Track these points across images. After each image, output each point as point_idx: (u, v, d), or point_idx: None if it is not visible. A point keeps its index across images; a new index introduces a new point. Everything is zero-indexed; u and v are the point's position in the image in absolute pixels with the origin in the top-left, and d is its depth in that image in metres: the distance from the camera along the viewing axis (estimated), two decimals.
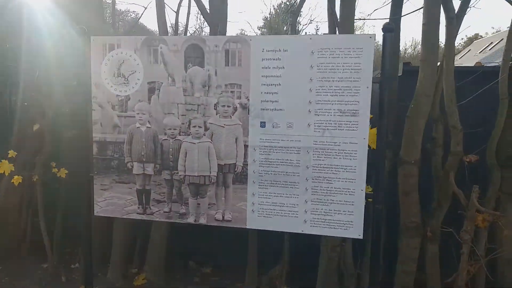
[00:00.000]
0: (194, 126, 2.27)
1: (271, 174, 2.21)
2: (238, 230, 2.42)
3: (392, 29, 2.05)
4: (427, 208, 3.18)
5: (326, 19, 3.49)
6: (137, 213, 2.41)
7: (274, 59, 2.13)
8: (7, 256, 3.97)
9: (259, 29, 28.64)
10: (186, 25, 4.73)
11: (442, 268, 3.20)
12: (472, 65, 3.89)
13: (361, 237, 2.13)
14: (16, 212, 4.02)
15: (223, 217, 2.31)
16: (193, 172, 2.30)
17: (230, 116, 2.23)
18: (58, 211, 3.93)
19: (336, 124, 2.10)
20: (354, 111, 2.07)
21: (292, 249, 3.44)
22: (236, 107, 2.21)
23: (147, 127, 2.34)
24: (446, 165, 3.07)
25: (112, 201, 2.43)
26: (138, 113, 2.34)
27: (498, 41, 22.09)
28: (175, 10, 4.28)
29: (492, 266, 3.07)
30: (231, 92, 2.21)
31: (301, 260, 3.54)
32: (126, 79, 2.33)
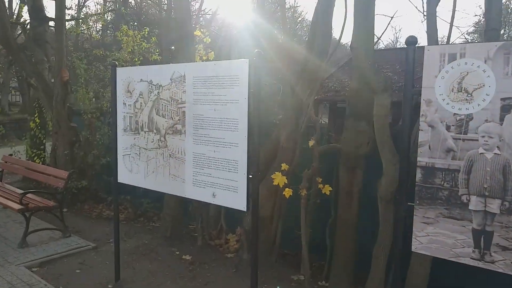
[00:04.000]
0: None
1: None
2: None
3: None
4: None
5: None
6: (471, 258, 1.97)
7: None
8: (260, 261, 4.10)
9: None
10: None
11: None
12: None
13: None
14: (269, 220, 4.14)
15: None
16: None
17: None
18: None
19: None
20: None
21: None
22: None
23: (494, 153, 1.88)
24: None
25: (437, 238, 2.04)
26: (483, 136, 1.90)
27: None
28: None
29: None
30: None
31: None
32: (469, 95, 1.93)
